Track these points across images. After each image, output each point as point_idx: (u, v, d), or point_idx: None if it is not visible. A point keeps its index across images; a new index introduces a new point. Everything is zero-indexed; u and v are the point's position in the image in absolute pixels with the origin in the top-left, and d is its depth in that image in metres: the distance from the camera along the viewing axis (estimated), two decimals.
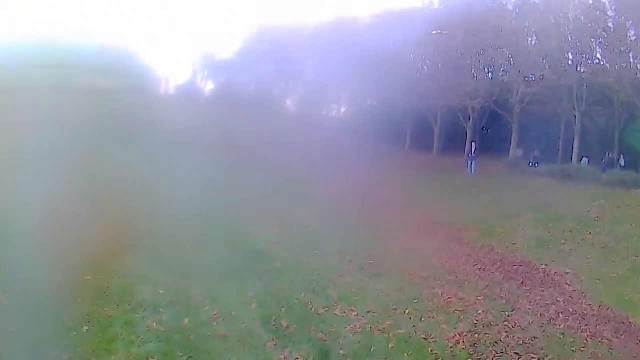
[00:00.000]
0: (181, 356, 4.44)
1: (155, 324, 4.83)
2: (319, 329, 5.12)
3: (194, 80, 23.68)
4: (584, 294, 7.21)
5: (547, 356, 5.22)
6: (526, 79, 17.24)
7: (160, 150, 11.21)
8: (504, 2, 18.56)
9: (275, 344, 4.78)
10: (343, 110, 23.81)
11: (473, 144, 17.38)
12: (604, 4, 15.64)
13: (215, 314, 5.14)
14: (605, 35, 15.60)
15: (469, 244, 9.33)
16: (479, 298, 6.50)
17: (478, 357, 5.04)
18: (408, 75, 18.79)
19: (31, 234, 5.87)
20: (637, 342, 5.84)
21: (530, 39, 17.45)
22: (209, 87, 23.95)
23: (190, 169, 10.02)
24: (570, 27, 16.20)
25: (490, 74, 19.19)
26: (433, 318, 5.71)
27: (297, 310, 5.48)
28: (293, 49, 21.06)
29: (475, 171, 16.27)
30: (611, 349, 5.63)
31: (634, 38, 15.24)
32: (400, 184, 13.67)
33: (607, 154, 15.63)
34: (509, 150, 17.58)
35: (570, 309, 6.59)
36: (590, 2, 15.83)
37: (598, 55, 16.37)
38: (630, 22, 15.27)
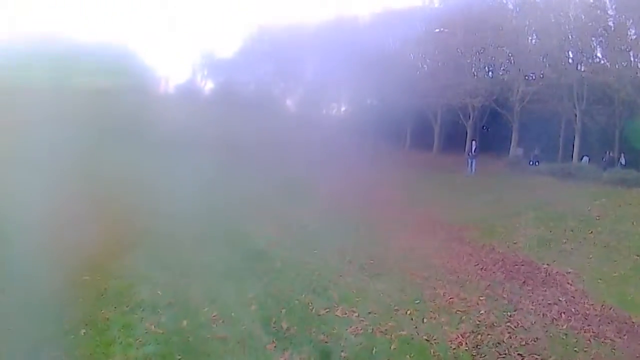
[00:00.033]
0: (180, 359, 4.38)
1: (153, 326, 4.76)
2: (320, 331, 5.06)
3: (193, 80, 23.67)
4: (586, 294, 7.16)
5: (550, 357, 5.17)
6: (526, 77, 17.21)
7: (159, 150, 11.21)
8: (504, 1, 18.52)
9: (275, 346, 4.72)
10: (343, 109, 23.79)
11: (473, 142, 17.34)
12: (605, 2, 15.61)
13: (214, 316, 5.07)
14: (606, 34, 15.57)
15: (470, 243, 9.28)
16: (481, 298, 6.45)
17: (481, 359, 4.99)
18: (408, 74, 18.76)
19: (29, 233, 5.82)
20: None
21: (530, 38, 17.42)
22: (208, 86, 23.93)
23: (189, 168, 9.99)
24: (571, 25, 16.16)
25: (490, 73, 19.17)
26: (435, 319, 5.65)
27: (297, 311, 5.41)
28: (293, 48, 21.01)
29: (475, 170, 16.23)
30: (614, 349, 5.59)
31: (634, 37, 15.21)
32: (400, 183, 13.61)
33: (607, 152, 15.60)
34: (509, 149, 17.54)
35: (573, 309, 6.55)
36: (591, 0, 15.79)
37: (598, 54, 16.37)
38: (631, 20, 15.24)
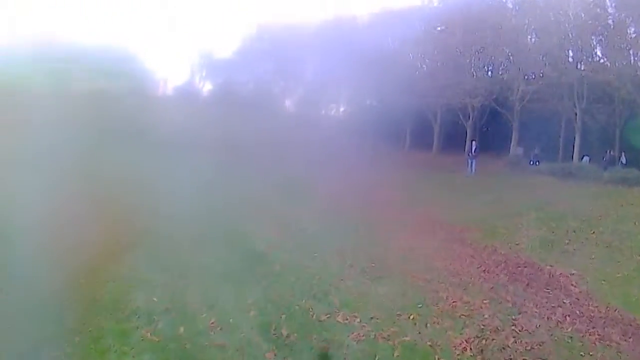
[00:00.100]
0: None
1: (149, 333, 4.64)
2: (320, 337, 4.95)
3: (193, 80, 23.56)
4: (590, 296, 7.08)
5: None
6: (526, 76, 17.15)
7: (159, 151, 11.19)
8: (504, 0, 18.44)
9: (275, 354, 4.61)
10: (342, 109, 23.72)
11: (473, 142, 17.26)
12: (604, 0, 15.55)
13: (212, 322, 4.96)
14: (606, 33, 15.51)
15: (472, 244, 9.18)
16: (484, 301, 6.34)
17: None
18: (407, 74, 18.68)
19: (27, 234, 5.75)
20: None
21: (530, 37, 17.36)
22: (207, 87, 23.83)
23: (189, 169, 9.97)
24: (570, 24, 16.10)
25: (490, 72, 19.10)
26: (438, 324, 5.54)
27: (297, 317, 5.30)
28: (292, 48, 20.92)
29: (475, 170, 16.14)
30: (619, 352, 5.51)
31: (634, 35, 15.17)
32: (399, 183, 13.53)
33: (608, 151, 15.55)
34: (509, 148, 17.47)
35: (577, 312, 6.45)
36: None
37: (598, 53, 16.33)
38: (631, 19, 15.19)
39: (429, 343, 5.11)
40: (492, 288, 6.93)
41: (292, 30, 21.13)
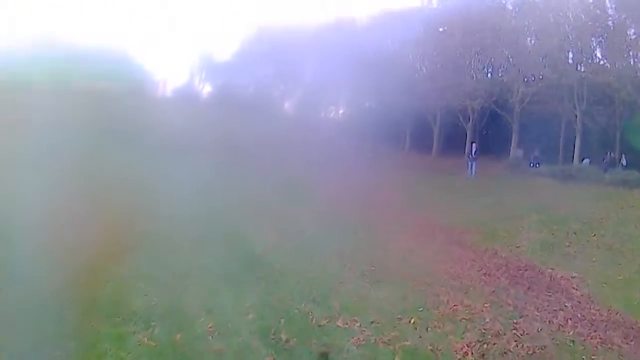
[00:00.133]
0: None
1: (146, 338, 4.58)
2: (320, 342, 4.88)
3: (192, 82, 23.58)
4: (591, 299, 7.03)
5: None
6: (526, 78, 17.15)
7: (158, 152, 11.16)
8: (503, 1, 18.51)
9: (274, 359, 4.55)
10: (342, 111, 23.72)
11: (473, 144, 17.23)
12: (604, 2, 15.60)
13: (210, 327, 4.89)
14: (605, 34, 15.53)
15: (472, 247, 9.12)
16: (486, 305, 6.28)
17: None
18: (407, 76, 18.69)
19: (26, 235, 5.71)
20: None
21: (529, 38, 17.38)
22: (207, 89, 23.84)
23: (188, 170, 9.96)
24: (570, 25, 16.12)
25: (489, 74, 19.12)
26: (439, 328, 5.48)
27: (297, 321, 5.23)
28: (292, 50, 20.95)
29: (475, 172, 16.11)
30: (621, 356, 5.47)
31: (634, 36, 15.19)
32: (399, 185, 13.49)
33: (608, 153, 15.52)
34: (509, 150, 17.46)
35: (579, 315, 6.41)
36: (590, 0, 15.74)
37: (598, 54, 16.37)
38: (630, 20, 15.20)
39: (430, 347, 5.05)
40: (493, 291, 6.88)
41: (291, 33, 21.15)
